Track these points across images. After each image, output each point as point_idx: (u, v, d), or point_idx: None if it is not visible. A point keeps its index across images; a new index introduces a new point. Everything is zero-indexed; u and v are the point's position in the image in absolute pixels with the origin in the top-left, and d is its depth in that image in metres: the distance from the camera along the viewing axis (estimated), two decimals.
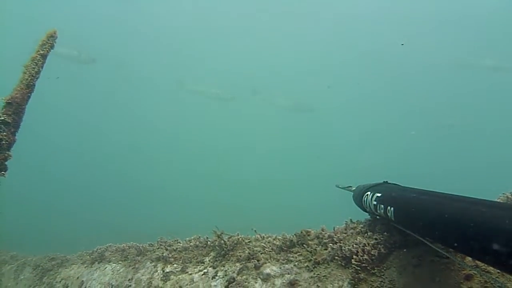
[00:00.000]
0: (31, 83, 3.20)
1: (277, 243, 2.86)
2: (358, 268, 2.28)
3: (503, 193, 2.55)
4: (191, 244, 3.59)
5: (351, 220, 2.79)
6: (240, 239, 3.14)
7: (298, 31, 29.07)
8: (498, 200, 2.53)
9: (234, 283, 2.82)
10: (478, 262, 2.08)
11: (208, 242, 3.43)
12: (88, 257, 4.87)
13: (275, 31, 29.23)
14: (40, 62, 3.28)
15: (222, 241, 3.17)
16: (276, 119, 30.14)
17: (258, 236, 3.12)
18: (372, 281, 2.24)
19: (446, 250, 1.92)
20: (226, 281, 2.88)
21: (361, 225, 2.62)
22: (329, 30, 28.13)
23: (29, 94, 3.20)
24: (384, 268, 2.25)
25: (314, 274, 2.49)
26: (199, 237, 3.63)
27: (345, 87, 31.09)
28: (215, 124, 33.60)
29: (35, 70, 3.23)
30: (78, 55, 19.20)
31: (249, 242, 3.08)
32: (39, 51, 3.31)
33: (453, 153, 28.73)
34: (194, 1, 29.32)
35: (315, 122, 29.62)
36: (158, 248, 3.87)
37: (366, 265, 2.27)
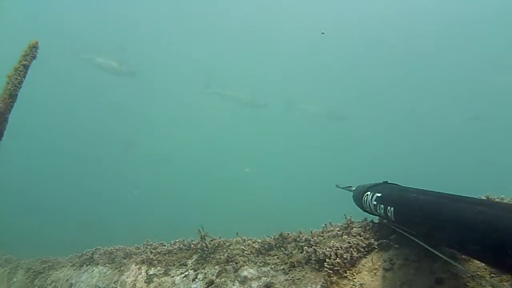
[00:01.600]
0: (14, 93, 3.27)
1: (256, 246, 2.87)
2: (331, 271, 2.30)
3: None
4: (175, 247, 3.61)
5: (330, 223, 2.80)
6: (221, 242, 3.17)
7: (330, 39, 28.97)
8: None
9: (213, 285, 2.85)
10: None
11: (191, 245, 3.45)
12: (77, 259, 4.91)
13: (308, 39, 28.98)
14: (22, 73, 3.34)
15: (204, 244, 3.19)
16: (308, 127, 29.74)
17: (239, 239, 3.14)
18: (344, 284, 2.25)
19: (443, 254, 1.91)
20: (206, 283, 2.90)
21: (338, 229, 2.63)
22: (360, 38, 28.02)
23: (12, 104, 3.27)
24: (356, 272, 2.27)
25: (289, 277, 2.51)
26: (184, 240, 3.65)
27: (377, 95, 30.83)
28: (244, 129, 33.40)
29: (18, 80, 3.29)
30: (118, 67, 18.73)
31: (229, 245, 3.10)
32: (21, 61, 3.37)
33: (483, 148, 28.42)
34: (227, 7, 29.31)
35: (347, 130, 29.19)
36: (144, 251, 3.89)
37: (338, 268, 2.29)
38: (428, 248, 1.90)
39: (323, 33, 25.18)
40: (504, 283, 2.03)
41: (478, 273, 2.04)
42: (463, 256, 2.05)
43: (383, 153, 30.48)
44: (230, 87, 23.59)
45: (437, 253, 1.87)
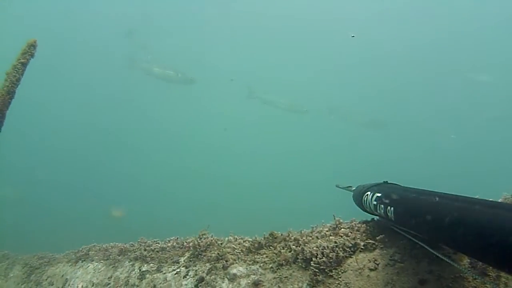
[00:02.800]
0: (12, 90, 3.35)
1: (247, 244, 2.92)
2: (317, 270, 2.34)
3: None
4: (169, 244, 3.67)
5: (323, 222, 2.85)
6: (213, 240, 3.21)
7: (371, 46, 28.91)
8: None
9: (203, 282, 2.90)
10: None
11: (184, 243, 3.50)
12: (73, 256, 4.97)
13: (350, 46, 28.87)
14: (20, 70, 3.42)
15: (196, 242, 3.24)
16: (349, 133, 29.56)
17: (231, 237, 3.19)
18: (329, 283, 2.30)
19: (441, 253, 1.92)
20: (196, 280, 2.95)
21: (326, 229, 2.68)
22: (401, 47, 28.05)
23: (10, 101, 3.35)
24: (342, 271, 2.31)
25: (277, 275, 2.55)
26: (177, 238, 3.71)
27: (414, 101, 30.52)
28: (283, 135, 33.18)
29: (16, 77, 3.38)
30: (175, 76, 18.48)
31: (221, 243, 3.15)
32: (20, 59, 3.46)
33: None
34: (275, 10, 29.30)
35: (386, 137, 28.99)
36: (138, 248, 3.94)
37: (324, 267, 2.33)
38: (427, 248, 1.92)
39: (353, 36, 25.24)
40: (487, 285, 2.07)
41: (461, 274, 2.09)
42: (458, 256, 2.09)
43: (419, 159, 29.96)
44: (271, 93, 23.57)
45: (435, 253, 1.89)
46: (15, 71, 3.37)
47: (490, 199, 2.26)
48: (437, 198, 1.69)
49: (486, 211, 1.33)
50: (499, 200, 2.41)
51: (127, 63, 19.25)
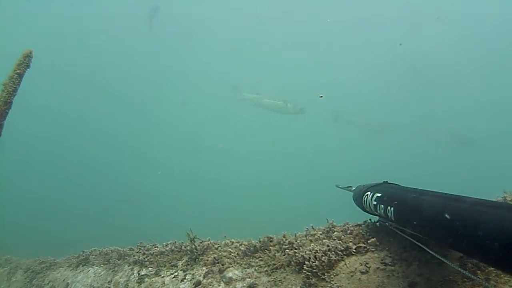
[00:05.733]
0: (9, 100, 3.43)
1: (242, 248, 2.97)
2: (309, 273, 2.39)
3: None
4: (167, 248, 3.72)
5: (312, 227, 2.89)
6: (210, 244, 3.27)
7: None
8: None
9: (200, 285, 2.95)
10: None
11: (182, 247, 3.55)
12: (74, 260, 5.03)
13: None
14: (17, 81, 3.50)
15: (193, 246, 3.29)
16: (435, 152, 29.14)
17: (228, 241, 3.24)
18: (322, 286, 2.34)
19: (440, 254, 1.92)
20: (193, 284, 3.00)
21: (320, 232, 2.73)
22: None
23: (7, 111, 3.43)
24: (334, 274, 2.35)
25: (271, 278, 2.60)
26: (175, 242, 3.76)
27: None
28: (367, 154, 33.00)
29: (13, 88, 3.46)
30: (284, 106, 18.26)
31: (217, 247, 3.20)
32: (16, 70, 3.53)
33: None
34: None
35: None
36: (137, 252, 4.00)
37: (317, 270, 2.38)
38: (425, 249, 1.94)
39: (321, 96, 25.24)
40: (478, 287, 2.11)
41: (450, 277, 2.13)
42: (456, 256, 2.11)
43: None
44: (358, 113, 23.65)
45: (432, 253, 1.90)
46: (11, 82, 3.44)
47: (488, 199, 2.29)
48: (437, 199, 1.71)
49: (487, 211, 1.33)
50: (494, 199, 2.44)
51: (231, 93, 19.57)
